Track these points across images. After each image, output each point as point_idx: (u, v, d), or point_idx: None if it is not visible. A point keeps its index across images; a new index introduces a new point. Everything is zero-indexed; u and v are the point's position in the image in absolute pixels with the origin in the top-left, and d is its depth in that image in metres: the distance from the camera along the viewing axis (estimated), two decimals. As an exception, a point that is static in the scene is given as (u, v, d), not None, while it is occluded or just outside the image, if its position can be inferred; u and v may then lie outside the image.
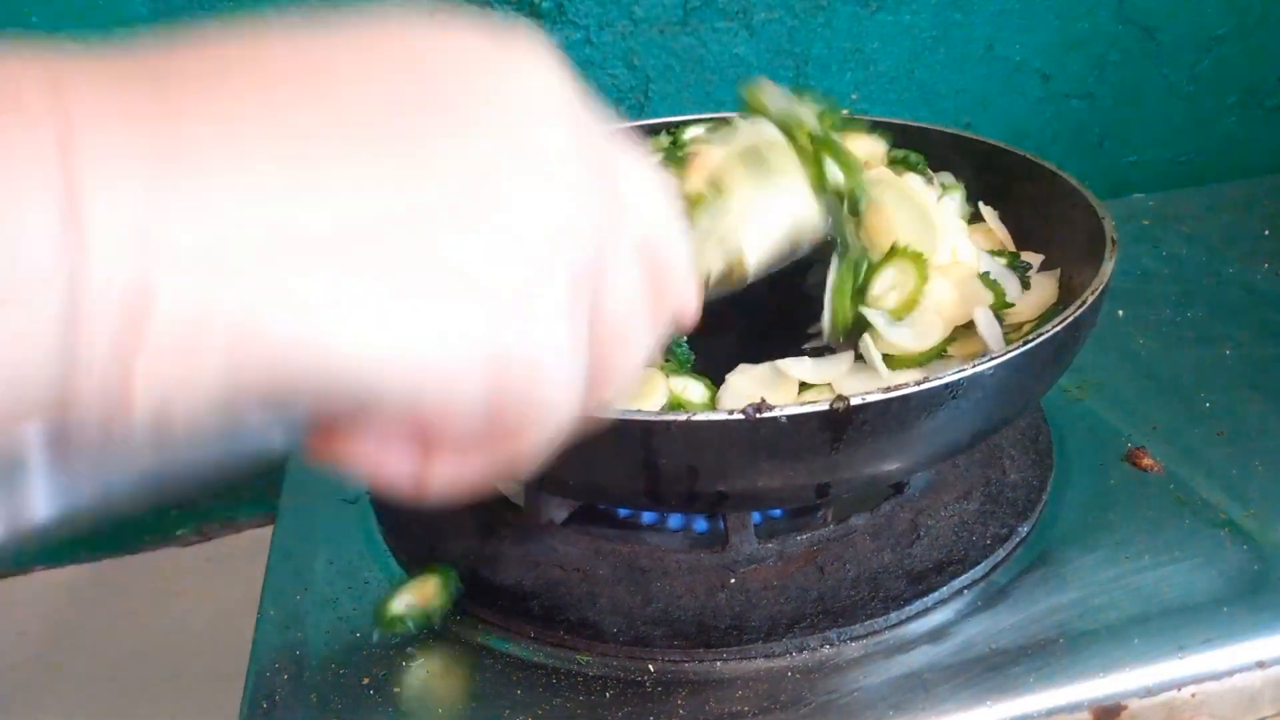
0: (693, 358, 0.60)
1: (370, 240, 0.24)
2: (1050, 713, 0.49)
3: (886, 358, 0.56)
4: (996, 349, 0.53)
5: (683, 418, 0.45)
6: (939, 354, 0.57)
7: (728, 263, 0.55)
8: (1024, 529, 0.58)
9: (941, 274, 0.59)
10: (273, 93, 0.24)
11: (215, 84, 0.23)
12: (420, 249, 0.24)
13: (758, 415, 0.45)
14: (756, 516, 0.59)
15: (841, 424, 0.46)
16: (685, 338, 0.60)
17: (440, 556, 0.60)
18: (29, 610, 0.98)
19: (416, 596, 0.57)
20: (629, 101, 0.95)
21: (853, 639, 0.53)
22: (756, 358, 0.59)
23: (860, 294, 0.58)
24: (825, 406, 0.45)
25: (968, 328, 0.58)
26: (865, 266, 0.58)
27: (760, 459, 0.47)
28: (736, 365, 0.59)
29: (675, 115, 0.81)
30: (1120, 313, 0.80)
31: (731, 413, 0.45)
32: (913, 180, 0.63)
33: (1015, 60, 1.02)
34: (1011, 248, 0.66)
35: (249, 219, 0.22)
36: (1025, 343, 0.49)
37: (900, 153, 0.69)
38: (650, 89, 0.95)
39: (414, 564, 0.60)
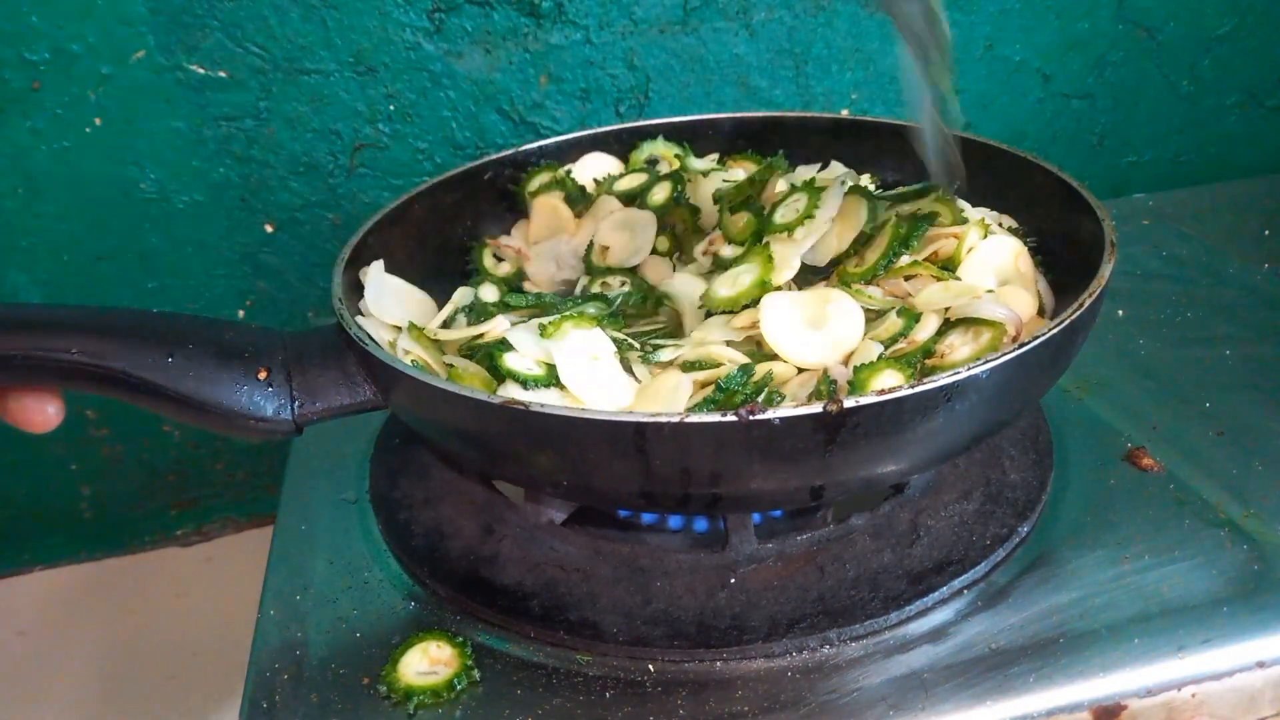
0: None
1: None
2: (1050, 713, 0.49)
3: None
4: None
5: (675, 419, 0.45)
6: None
7: None
8: (1024, 529, 0.58)
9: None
10: None
11: None
12: None
13: (750, 417, 0.45)
14: (756, 517, 0.59)
15: (835, 427, 0.46)
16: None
17: (441, 557, 0.60)
18: (29, 610, 0.98)
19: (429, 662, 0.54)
20: (629, 101, 0.95)
21: (853, 639, 0.53)
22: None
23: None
24: (819, 409, 0.45)
25: None
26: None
27: (754, 461, 0.47)
28: None
29: (675, 115, 0.81)
30: (1120, 313, 0.80)
31: (725, 414, 0.45)
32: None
33: (1015, 60, 1.02)
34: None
35: None
36: (1022, 345, 0.48)
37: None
38: (650, 89, 0.95)
39: (414, 566, 0.60)
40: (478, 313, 0.63)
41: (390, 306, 0.63)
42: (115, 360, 0.51)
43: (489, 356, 0.56)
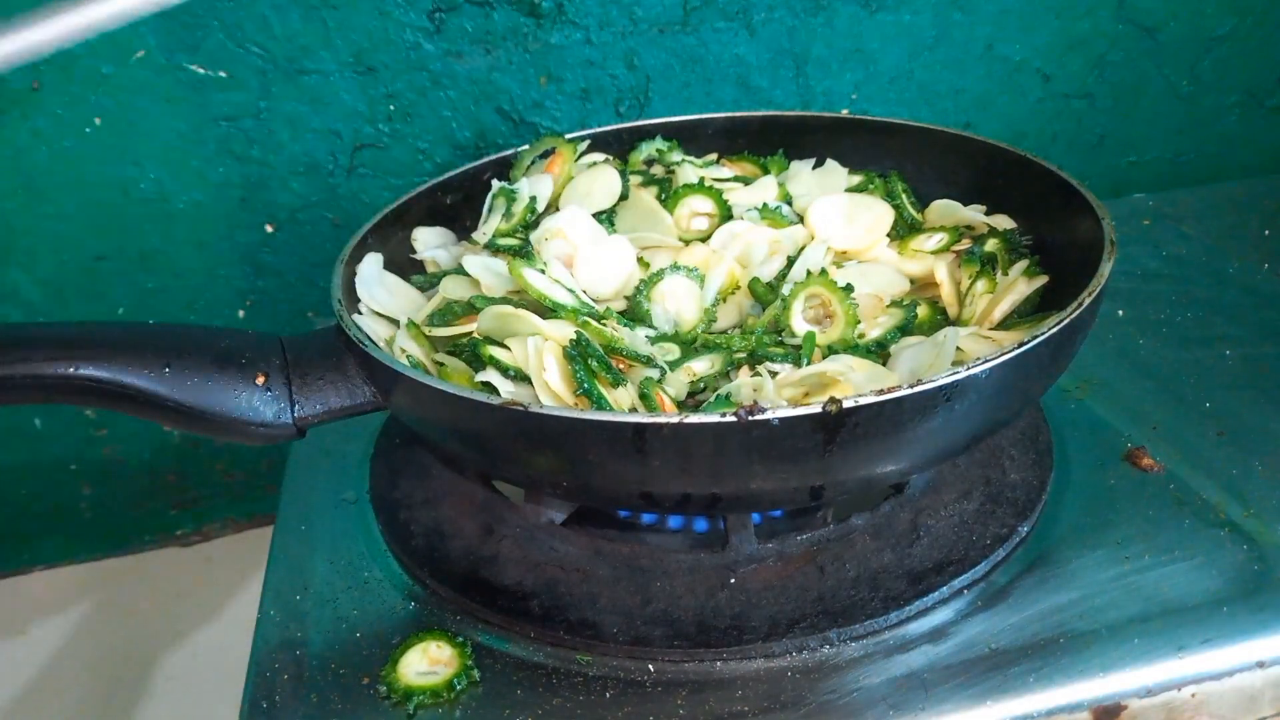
0: None
1: None
2: (1050, 713, 0.49)
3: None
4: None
5: (675, 419, 0.45)
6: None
7: None
8: (1024, 529, 0.58)
9: None
10: None
11: None
12: None
13: (750, 417, 0.45)
14: (756, 517, 0.59)
15: (834, 426, 0.46)
16: None
17: (441, 557, 0.60)
18: (29, 610, 0.98)
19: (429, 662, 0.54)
20: (629, 101, 0.95)
21: (853, 639, 0.53)
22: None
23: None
24: (818, 409, 0.45)
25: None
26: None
27: (753, 461, 0.47)
28: None
29: (675, 115, 0.81)
30: (1120, 313, 0.80)
31: (724, 414, 0.45)
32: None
33: (1015, 60, 1.02)
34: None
35: None
36: (1021, 345, 0.48)
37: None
38: (650, 89, 0.95)
39: (414, 566, 0.60)
40: (447, 312, 0.63)
41: (381, 296, 0.63)
42: (114, 375, 0.52)
43: (473, 346, 0.56)
